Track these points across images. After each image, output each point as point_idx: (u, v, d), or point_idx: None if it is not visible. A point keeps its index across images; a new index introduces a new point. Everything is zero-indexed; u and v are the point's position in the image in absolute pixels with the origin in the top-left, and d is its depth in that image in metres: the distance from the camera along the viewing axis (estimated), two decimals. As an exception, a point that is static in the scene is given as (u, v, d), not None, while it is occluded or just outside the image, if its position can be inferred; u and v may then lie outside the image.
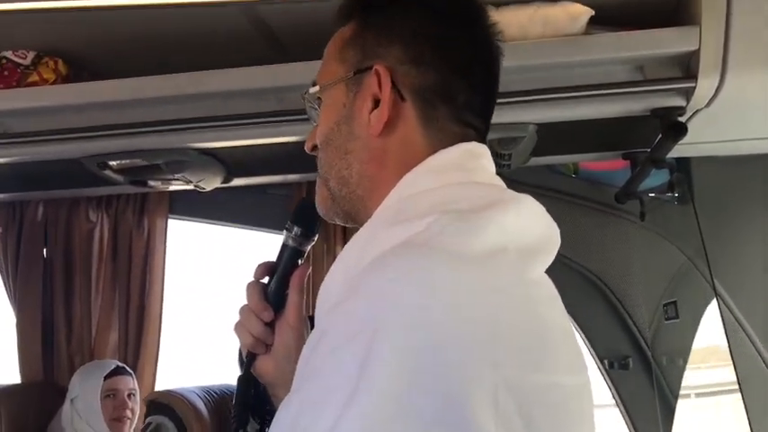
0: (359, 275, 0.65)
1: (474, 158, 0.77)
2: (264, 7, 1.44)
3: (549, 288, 0.73)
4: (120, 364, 2.34)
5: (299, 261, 0.91)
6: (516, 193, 0.73)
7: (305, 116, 1.47)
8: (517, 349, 0.62)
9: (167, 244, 2.51)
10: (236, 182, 2.02)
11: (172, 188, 2.00)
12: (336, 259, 0.75)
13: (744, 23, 1.34)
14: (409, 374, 0.57)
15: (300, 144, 1.61)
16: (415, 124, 0.77)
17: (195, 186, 1.92)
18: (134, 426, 2.28)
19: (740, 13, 1.33)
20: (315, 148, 0.85)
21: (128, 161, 1.70)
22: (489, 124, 0.82)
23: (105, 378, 2.26)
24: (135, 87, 1.55)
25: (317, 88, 0.84)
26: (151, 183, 1.90)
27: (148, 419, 1.95)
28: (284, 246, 0.91)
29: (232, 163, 1.88)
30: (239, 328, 0.89)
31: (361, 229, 0.74)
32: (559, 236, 0.76)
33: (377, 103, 0.76)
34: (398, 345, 0.58)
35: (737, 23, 1.34)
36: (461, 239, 0.64)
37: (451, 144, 0.77)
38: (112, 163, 1.71)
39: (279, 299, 0.90)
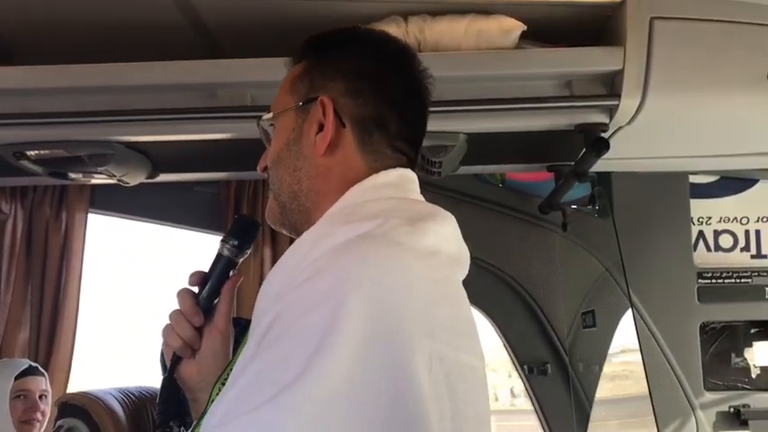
0: (317, 260, 0.76)
1: (407, 182, 0.91)
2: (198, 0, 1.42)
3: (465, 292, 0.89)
4: (33, 363, 2.23)
5: (232, 272, 0.97)
6: (443, 210, 0.87)
7: (237, 114, 1.48)
8: (448, 330, 0.77)
9: (86, 239, 2.41)
10: (163, 177, 1.96)
11: (94, 182, 1.93)
12: (284, 254, 0.83)
13: (665, 48, 1.41)
14: (366, 337, 0.69)
15: (231, 142, 1.61)
16: (354, 147, 0.89)
17: (119, 181, 1.85)
18: (43, 429, 2.18)
19: (661, 38, 1.41)
20: (266, 168, 0.96)
21: (47, 152, 1.63)
22: (418, 152, 0.96)
23: (16, 378, 2.15)
24: (57, 75, 1.49)
25: (270, 115, 0.95)
26: (72, 175, 1.81)
27: (59, 422, 1.86)
28: (219, 256, 0.97)
29: (159, 158, 1.82)
30: (169, 331, 0.94)
31: (313, 228, 0.84)
32: (469, 254, 0.90)
33: (321, 127, 0.88)
34: (357, 313, 0.70)
35: (659, 47, 1.41)
36: (409, 238, 0.79)
37: (385, 165, 0.90)
38: (30, 153, 1.63)
39: (209, 306, 0.95)
